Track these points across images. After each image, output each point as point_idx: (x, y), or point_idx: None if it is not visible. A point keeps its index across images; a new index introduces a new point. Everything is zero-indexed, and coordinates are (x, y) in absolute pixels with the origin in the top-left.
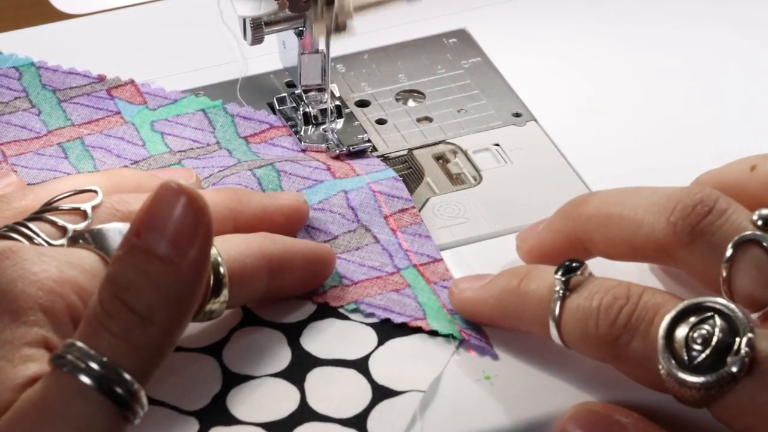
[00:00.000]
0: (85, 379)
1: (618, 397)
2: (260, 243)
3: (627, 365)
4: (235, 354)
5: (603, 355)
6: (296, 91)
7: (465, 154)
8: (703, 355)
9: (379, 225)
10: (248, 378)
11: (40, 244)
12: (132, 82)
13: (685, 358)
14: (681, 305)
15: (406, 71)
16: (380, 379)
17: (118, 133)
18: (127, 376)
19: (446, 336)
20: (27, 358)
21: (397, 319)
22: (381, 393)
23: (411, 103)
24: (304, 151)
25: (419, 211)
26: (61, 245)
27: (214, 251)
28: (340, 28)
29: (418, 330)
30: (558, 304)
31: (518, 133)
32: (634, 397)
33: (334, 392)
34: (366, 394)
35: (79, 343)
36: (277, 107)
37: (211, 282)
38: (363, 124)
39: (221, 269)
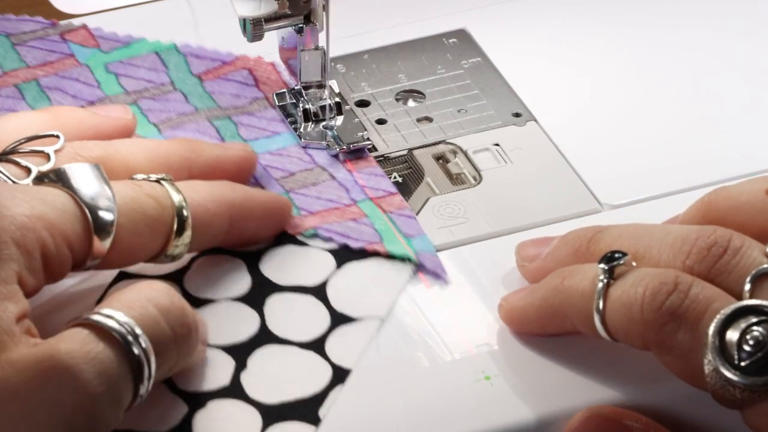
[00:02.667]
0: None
1: (619, 398)
2: (222, 190)
3: (669, 355)
4: (196, 280)
5: (647, 341)
6: (296, 87)
7: (465, 154)
8: (755, 357)
9: (336, 166)
10: (209, 302)
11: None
12: (84, 26)
13: (735, 357)
14: (737, 305)
15: (406, 71)
16: (338, 305)
17: (73, 75)
18: (145, 344)
19: (402, 259)
20: (4, 296)
21: (355, 245)
22: (339, 319)
23: (411, 103)
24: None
25: (418, 212)
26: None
27: (178, 195)
28: None
29: (375, 254)
30: (601, 293)
31: (518, 133)
32: (635, 399)
33: (293, 317)
34: (324, 319)
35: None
36: (277, 103)
37: (175, 224)
38: (363, 124)
39: (185, 211)
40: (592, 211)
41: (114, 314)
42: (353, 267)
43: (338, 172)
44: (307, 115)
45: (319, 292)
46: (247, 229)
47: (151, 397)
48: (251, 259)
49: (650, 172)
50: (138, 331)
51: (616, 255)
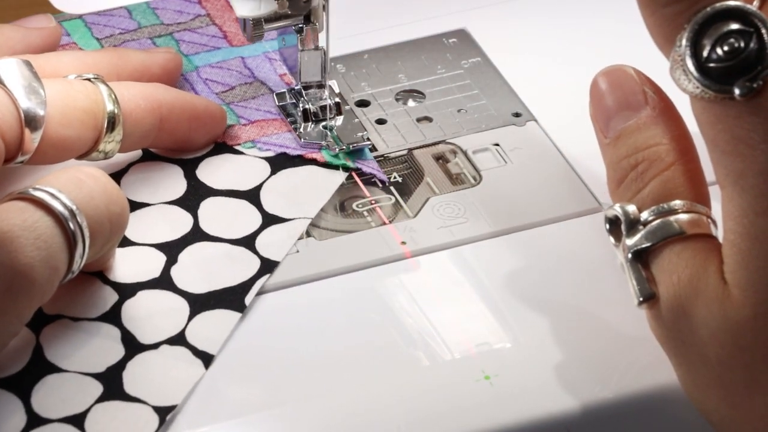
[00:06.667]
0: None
1: (620, 395)
2: (154, 89)
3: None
4: (133, 183)
5: None
6: (296, 87)
7: (465, 154)
8: (720, 64)
9: (275, 81)
10: (144, 205)
11: None
12: None
13: (704, 55)
14: (725, 4)
15: (406, 71)
16: (270, 208)
17: None
18: (80, 217)
19: (338, 166)
20: None
21: (293, 152)
22: (270, 219)
23: (411, 103)
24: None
25: (418, 212)
26: None
27: (108, 90)
28: None
29: (312, 162)
30: None
31: (518, 133)
32: (636, 394)
33: (226, 219)
34: (256, 220)
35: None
36: (277, 103)
37: (106, 118)
38: (363, 124)
39: (115, 107)
40: (592, 211)
41: (48, 189)
42: (288, 172)
43: (278, 88)
44: (307, 116)
45: (253, 196)
46: (178, 129)
47: (81, 286)
48: (188, 165)
49: None
50: (72, 205)
51: None
